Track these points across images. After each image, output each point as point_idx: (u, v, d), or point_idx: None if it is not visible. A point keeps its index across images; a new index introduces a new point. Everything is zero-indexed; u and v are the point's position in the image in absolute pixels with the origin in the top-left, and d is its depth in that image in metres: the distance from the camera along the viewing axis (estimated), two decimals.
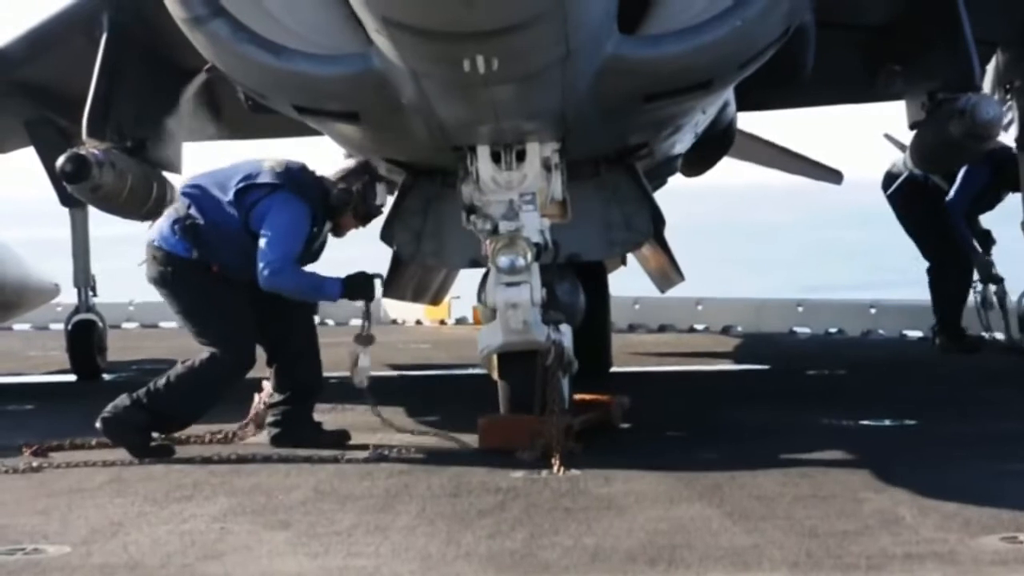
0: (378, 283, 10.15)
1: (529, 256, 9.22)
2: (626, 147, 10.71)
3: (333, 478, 8.72)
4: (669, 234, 11.90)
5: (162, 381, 9.70)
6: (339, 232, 10.25)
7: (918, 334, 18.67)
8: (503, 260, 9.22)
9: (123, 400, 9.66)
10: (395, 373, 15.66)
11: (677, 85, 9.15)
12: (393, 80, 8.43)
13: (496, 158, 9.15)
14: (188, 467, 9.24)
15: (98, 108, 12.61)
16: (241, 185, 9.79)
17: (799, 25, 9.77)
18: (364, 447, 9.61)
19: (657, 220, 10.93)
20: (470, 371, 13.50)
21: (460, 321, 21.99)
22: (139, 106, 13.02)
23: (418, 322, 22.41)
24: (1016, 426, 10.05)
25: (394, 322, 22.73)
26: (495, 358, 9.73)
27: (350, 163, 10.26)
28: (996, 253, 16.20)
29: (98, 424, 9.64)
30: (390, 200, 10.87)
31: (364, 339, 10.19)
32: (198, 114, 13.83)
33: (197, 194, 9.89)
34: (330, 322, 22.58)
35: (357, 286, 10.02)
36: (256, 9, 8.64)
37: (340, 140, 11.73)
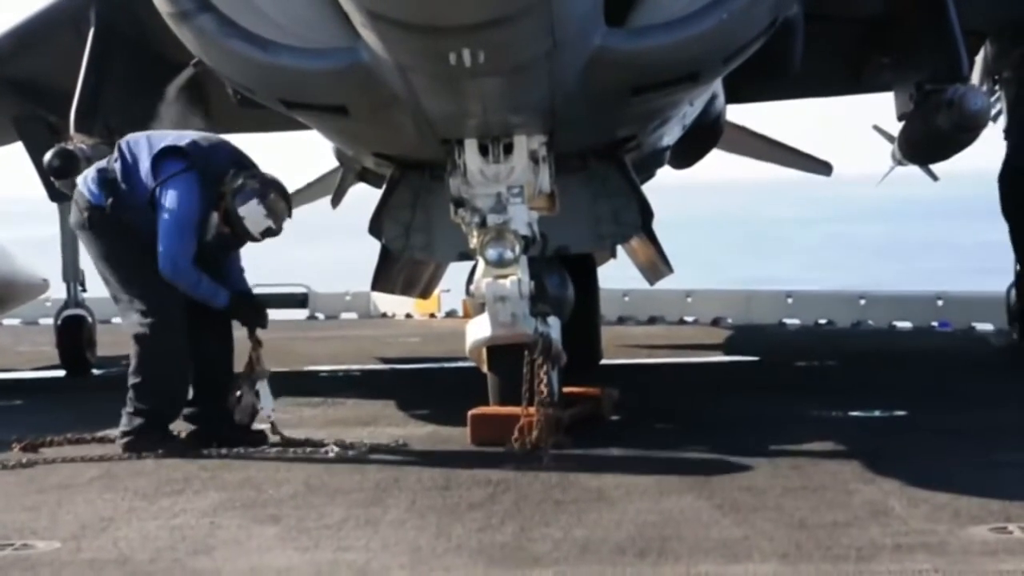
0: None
1: (517, 249, 9.22)
2: (614, 140, 10.71)
3: (323, 472, 8.72)
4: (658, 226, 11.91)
5: (129, 383, 9.64)
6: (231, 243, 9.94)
7: (908, 325, 18.72)
8: (491, 253, 9.22)
9: (125, 418, 9.60)
10: (385, 367, 15.68)
11: (664, 77, 9.15)
12: (380, 74, 8.42)
13: (484, 151, 9.14)
14: (178, 462, 9.23)
15: (86, 103, 12.59)
16: (160, 148, 9.74)
17: (786, 17, 9.77)
18: (299, 442, 9.57)
19: (645, 213, 10.93)
20: (460, 364, 13.49)
21: (450, 314, 22.00)
22: (127, 101, 13.00)
23: (408, 315, 22.43)
24: (1006, 417, 10.08)
25: (384, 315, 22.75)
26: (484, 351, 9.74)
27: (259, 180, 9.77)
28: None
29: (122, 450, 9.51)
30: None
31: (247, 377, 9.84)
32: (186, 109, 13.80)
33: (125, 149, 9.86)
34: (320, 316, 22.64)
35: (240, 308, 9.89)
36: (243, 4, 8.63)
37: (328, 134, 11.73)
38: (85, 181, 9.88)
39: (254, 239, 9.74)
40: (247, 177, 9.66)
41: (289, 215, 9.88)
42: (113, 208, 9.68)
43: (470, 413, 9.62)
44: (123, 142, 9.98)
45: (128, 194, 9.71)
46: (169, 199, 9.62)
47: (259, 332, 9.92)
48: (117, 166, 9.78)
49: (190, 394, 9.82)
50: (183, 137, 9.94)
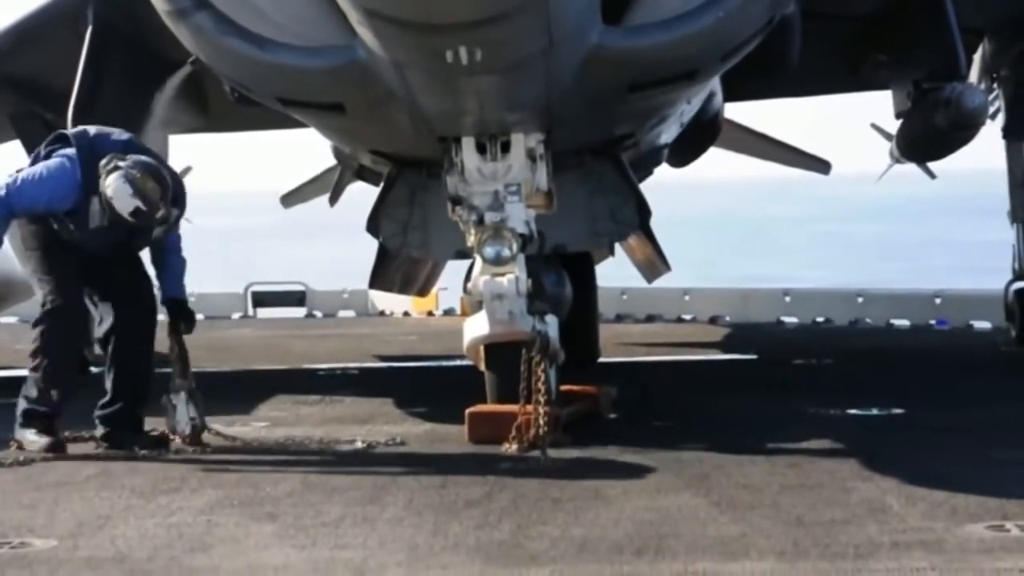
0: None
1: (515, 247, 9.21)
2: (611, 138, 10.71)
3: (320, 469, 8.72)
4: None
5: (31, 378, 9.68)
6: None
7: (905, 323, 18.73)
8: (489, 251, 9.22)
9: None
10: (383, 365, 15.68)
11: (661, 75, 9.15)
12: (377, 72, 8.42)
13: (481, 149, 9.14)
14: (175, 460, 9.23)
15: (83, 101, 12.58)
16: (53, 135, 9.90)
17: (784, 15, 9.77)
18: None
19: (643, 211, 10.92)
20: (458, 362, 13.50)
21: (448, 312, 22.01)
22: (124, 99, 12.99)
23: (406, 313, 22.43)
24: (1003, 415, 10.08)
25: (381, 313, 22.76)
26: (482, 349, 9.74)
27: (125, 180, 9.53)
28: None
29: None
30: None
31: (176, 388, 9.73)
32: (183, 107, 13.81)
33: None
34: (318, 314, 22.64)
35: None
36: (240, 1, 8.62)
37: (325, 132, 11.72)
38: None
39: (127, 222, 9.47)
40: (119, 159, 9.54)
41: (177, 205, 9.72)
42: None
43: (468, 411, 9.62)
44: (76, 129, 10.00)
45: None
46: (35, 167, 9.72)
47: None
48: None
49: (108, 395, 9.71)
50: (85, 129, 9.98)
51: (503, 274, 9.23)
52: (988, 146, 15.93)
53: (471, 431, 9.53)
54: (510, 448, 9.06)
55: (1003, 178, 15.82)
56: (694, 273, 24.17)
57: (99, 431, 9.67)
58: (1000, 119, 15.34)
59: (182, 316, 9.94)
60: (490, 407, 9.67)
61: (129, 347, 9.73)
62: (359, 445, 9.50)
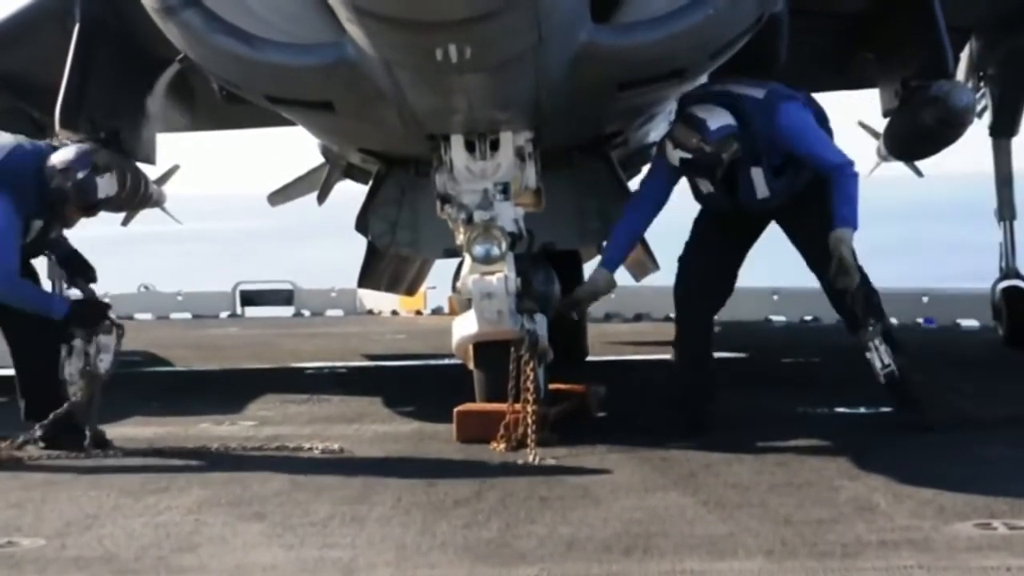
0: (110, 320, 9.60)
1: (504, 245, 9.22)
2: (600, 136, 10.72)
3: (308, 469, 8.71)
4: None
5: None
6: (67, 223, 9.84)
7: (893, 322, 18.73)
8: (478, 249, 9.22)
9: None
10: (371, 363, 15.67)
11: (650, 73, 9.16)
12: (366, 70, 8.41)
13: (470, 147, 9.14)
14: (163, 458, 9.22)
15: (71, 99, 12.55)
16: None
17: (772, 13, 9.78)
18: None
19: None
20: (446, 361, 13.48)
21: (436, 311, 22.00)
22: (112, 97, 12.96)
23: (394, 312, 22.42)
24: (990, 413, 10.08)
25: (370, 312, 22.75)
26: (470, 348, 9.73)
27: (74, 149, 9.68)
28: None
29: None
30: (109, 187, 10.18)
31: (90, 375, 9.50)
32: (172, 105, 13.78)
33: None
34: (306, 312, 22.62)
35: (82, 316, 9.58)
36: None
37: (314, 130, 11.72)
38: None
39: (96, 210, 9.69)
40: (65, 174, 9.47)
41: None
42: None
43: (456, 410, 9.61)
44: None
45: None
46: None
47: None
48: None
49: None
50: None
51: (492, 273, 9.24)
52: (973, 148, 15.95)
53: (459, 430, 9.52)
54: (498, 447, 9.06)
55: (989, 181, 15.84)
56: None
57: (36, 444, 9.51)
58: (987, 117, 15.37)
59: (96, 310, 9.74)
60: (478, 406, 9.66)
61: (41, 360, 9.57)
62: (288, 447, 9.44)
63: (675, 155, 9.37)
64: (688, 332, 9.91)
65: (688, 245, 10.06)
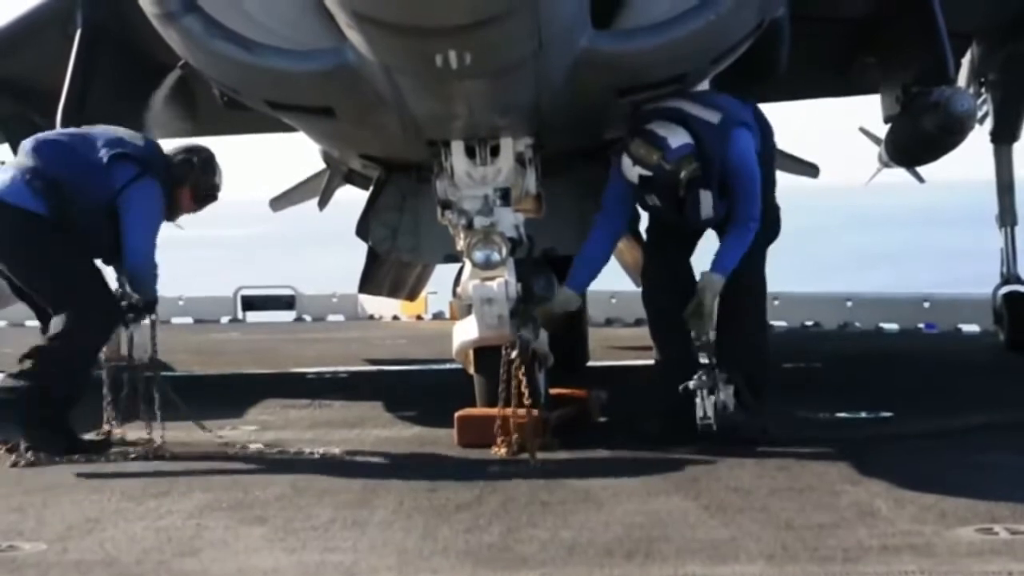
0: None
1: (504, 251, 9.23)
2: (601, 141, 10.72)
3: (310, 473, 8.71)
4: None
5: (34, 365, 9.43)
6: (172, 215, 10.03)
7: (894, 327, 18.76)
8: (478, 255, 9.23)
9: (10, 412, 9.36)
10: (372, 368, 15.67)
11: (651, 79, 9.16)
12: (366, 75, 8.42)
13: (470, 153, 9.15)
14: (164, 462, 9.22)
15: (72, 104, 12.56)
16: (116, 152, 9.64)
17: (773, 19, 9.79)
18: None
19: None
20: (447, 366, 13.49)
21: (437, 316, 22.00)
22: (113, 102, 12.96)
23: (395, 317, 22.42)
24: (991, 417, 10.08)
25: (371, 317, 22.75)
26: (471, 353, 9.73)
27: (186, 143, 10.17)
28: None
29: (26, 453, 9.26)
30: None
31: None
32: (172, 110, 13.79)
33: (57, 152, 9.66)
34: (307, 318, 22.62)
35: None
36: (229, 5, 8.62)
37: (314, 136, 11.73)
38: (8, 188, 9.49)
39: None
40: (187, 153, 9.94)
41: None
42: (58, 215, 9.44)
43: (456, 415, 9.61)
44: (43, 144, 9.76)
45: (81, 197, 9.50)
46: (140, 202, 9.59)
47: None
48: (56, 169, 9.53)
49: None
50: (110, 132, 9.93)
51: (492, 278, 9.24)
52: (975, 155, 15.96)
53: (460, 435, 9.52)
54: (499, 452, 9.06)
55: (990, 187, 15.84)
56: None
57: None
58: (988, 123, 15.38)
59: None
60: (479, 411, 9.66)
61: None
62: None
63: (634, 172, 9.30)
64: (665, 334, 9.87)
65: (646, 253, 10.12)
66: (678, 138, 9.25)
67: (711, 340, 9.42)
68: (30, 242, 9.53)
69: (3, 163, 9.99)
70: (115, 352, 10.01)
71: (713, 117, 9.39)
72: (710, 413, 9.09)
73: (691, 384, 9.17)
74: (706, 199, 9.45)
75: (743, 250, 9.44)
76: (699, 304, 9.30)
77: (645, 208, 9.88)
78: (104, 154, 9.62)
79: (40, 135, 10.03)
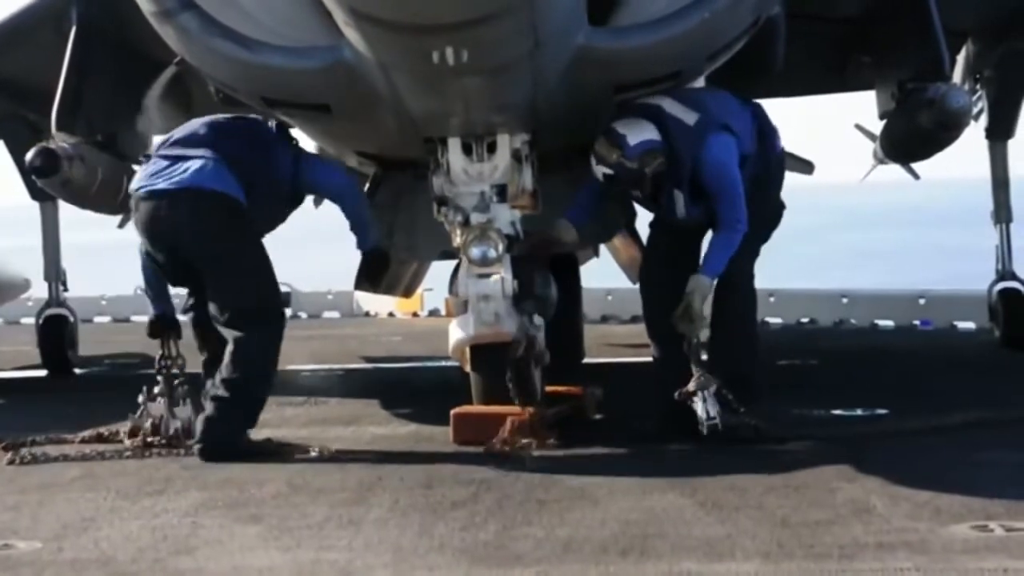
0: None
1: (501, 248, 9.23)
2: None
3: (306, 471, 8.71)
4: None
5: (234, 371, 9.22)
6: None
7: (890, 324, 18.76)
8: (475, 252, 9.23)
9: (207, 416, 9.23)
10: (367, 366, 15.67)
11: (647, 76, 9.17)
12: (363, 72, 8.42)
13: (467, 150, 9.15)
14: (160, 460, 9.22)
15: (67, 102, 12.57)
16: (282, 133, 9.80)
17: (769, 16, 9.79)
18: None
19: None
20: (443, 363, 13.50)
21: (432, 313, 22.00)
22: (109, 100, 12.98)
23: (390, 314, 22.42)
24: (986, 414, 10.08)
25: (367, 314, 22.74)
26: (467, 350, 9.73)
27: None
28: None
29: (199, 455, 9.17)
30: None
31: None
32: (168, 107, 13.78)
33: (236, 135, 9.62)
34: (303, 315, 22.62)
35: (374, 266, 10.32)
36: (225, 2, 8.63)
37: (311, 133, 11.72)
38: (208, 177, 9.33)
39: None
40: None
41: None
42: (247, 202, 9.40)
43: (453, 412, 9.61)
44: (211, 131, 9.62)
45: (266, 184, 9.54)
46: (333, 177, 10.03)
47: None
48: (239, 155, 9.46)
49: None
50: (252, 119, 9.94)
51: (489, 275, 9.24)
52: (971, 154, 15.97)
53: (456, 433, 9.51)
54: (497, 448, 9.05)
55: (984, 186, 15.85)
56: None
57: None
58: (983, 120, 15.38)
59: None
60: (476, 408, 9.66)
61: None
62: None
63: (599, 170, 9.33)
64: (660, 333, 9.81)
65: (645, 252, 10.22)
66: (639, 134, 9.22)
67: (701, 342, 9.39)
68: (232, 228, 9.38)
69: (148, 156, 9.86)
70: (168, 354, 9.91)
71: (690, 118, 9.35)
72: (712, 413, 9.06)
73: (690, 386, 9.15)
74: (679, 199, 9.44)
75: (731, 252, 9.42)
76: (687, 307, 9.28)
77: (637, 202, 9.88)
78: (273, 136, 9.73)
79: (205, 120, 9.83)
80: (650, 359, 10.03)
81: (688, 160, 9.30)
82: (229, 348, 9.23)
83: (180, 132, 9.73)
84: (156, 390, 9.77)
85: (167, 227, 9.35)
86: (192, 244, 9.32)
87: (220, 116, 9.92)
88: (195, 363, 9.83)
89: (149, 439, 9.59)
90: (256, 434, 9.49)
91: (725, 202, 9.40)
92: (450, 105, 8.66)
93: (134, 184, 9.60)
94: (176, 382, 9.78)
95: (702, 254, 9.62)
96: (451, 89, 8.33)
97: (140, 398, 9.77)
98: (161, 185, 9.36)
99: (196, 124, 9.77)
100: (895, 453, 8.82)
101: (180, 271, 9.57)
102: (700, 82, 11.67)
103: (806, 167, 21.70)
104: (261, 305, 9.36)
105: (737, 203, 9.40)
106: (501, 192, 9.28)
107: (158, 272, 9.67)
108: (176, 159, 9.46)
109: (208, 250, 9.32)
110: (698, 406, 9.08)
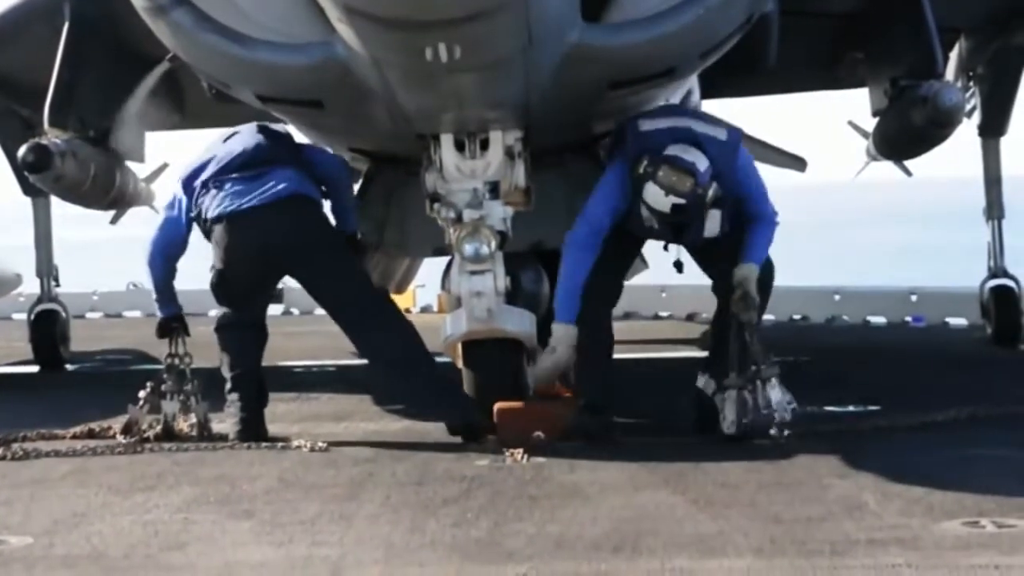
0: None
1: (493, 244, 9.23)
2: (590, 135, 10.73)
3: (297, 467, 8.71)
4: None
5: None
6: None
7: (882, 320, 18.78)
8: (467, 248, 9.23)
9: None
10: (360, 362, 15.63)
11: (640, 73, 9.17)
12: (356, 69, 8.42)
13: (460, 146, 9.15)
14: (152, 456, 9.22)
15: (60, 97, 12.56)
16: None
17: (762, 14, 9.79)
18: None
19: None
20: (436, 360, 13.48)
21: (425, 309, 21.99)
22: (101, 95, 12.97)
23: None
24: (978, 411, 10.10)
25: None
26: (459, 346, 9.73)
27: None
28: None
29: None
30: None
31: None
32: (161, 103, 13.78)
33: (282, 149, 9.96)
34: (295, 311, 22.60)
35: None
36: None
37: (303, 129, 11.70)
38: (294, 184, 9.76)
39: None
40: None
41: None
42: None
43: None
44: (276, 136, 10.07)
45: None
46: (335, 165, 10.28)
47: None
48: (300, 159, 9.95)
49: None
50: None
51: (481, 271, 9.24)
52: (963, 153, 15.98)
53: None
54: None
55: (976, 184, 15.88)
56: (670, 270, 24.10)
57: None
58: (976, 117, 15.41)
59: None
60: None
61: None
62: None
63: (667, 201, 9.02)
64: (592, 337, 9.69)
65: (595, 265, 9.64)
66: (702, 161, 9.09)
67: (757, 325, 9.40)
68: (325, 232, 9.88)
69: (213, 157, 9.97)
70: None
71: (720, 134, 9.33)
72: (746, 420, 9.08)
73: (727, 381, 9.15)
74: (714, 217, 9.31)
75: (770, 243, 9.50)
76: (745, 293, 9.29)
77: (630, 225, 9.51)
78: (290, 137, 10.15)
79: (239, 136, 10.11)
80: (641, 355, 10.04)
81: (728, 175, 9.25)
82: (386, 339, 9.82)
83: (228, 155, 9.89)
84: (164, 387, 9.92)
85: (275, 239, 9.65)
86: (301, 251, 9.69)
87: (244, 127, 10.18)
88: (199, 361, 10.17)
89: (146, 435, 9.70)
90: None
91: (760, 199, 9.47)
92: (443, 102, 8.66)
93: (214, 212, 9.79)
94: (186, 379, 10.05)
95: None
96: (444, 86, 8.33)
97: (142, 393, 9.82)
98: (256, 202, 9.67)
99: (237, 143, 10.00)
100: (887, 449, 8.83)
101: (258, 287, 10.08)
102: (693, 80, 11.70)
103: (799, 164, 21.74)
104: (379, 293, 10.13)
105: (767, 197, 9.49)
106: (494, 189, 9.28)
107: (172, 276, 10.36)
108: (254, 178, 9.74)
109: (318, 255, 9.73)
110: (726, 406, 9.10)
